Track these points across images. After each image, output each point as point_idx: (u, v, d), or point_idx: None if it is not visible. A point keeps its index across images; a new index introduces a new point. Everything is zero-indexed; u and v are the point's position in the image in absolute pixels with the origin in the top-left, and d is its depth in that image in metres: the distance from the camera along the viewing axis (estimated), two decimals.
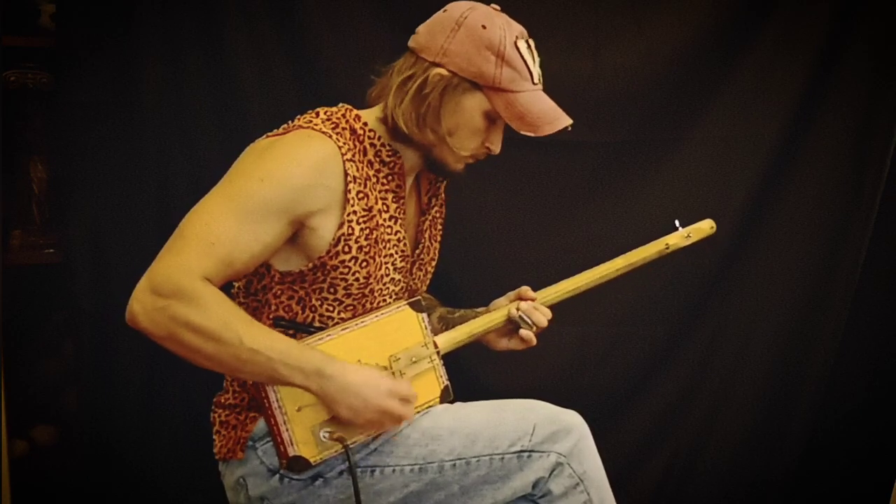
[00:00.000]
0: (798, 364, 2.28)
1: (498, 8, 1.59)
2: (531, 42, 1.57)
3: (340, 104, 1.62)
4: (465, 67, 1.53)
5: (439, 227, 1.77)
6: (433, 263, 1.77)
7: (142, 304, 1.38)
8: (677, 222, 1.83)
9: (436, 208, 1.74)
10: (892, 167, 2.19)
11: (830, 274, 2.23)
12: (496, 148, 1.61)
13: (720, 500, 2.33)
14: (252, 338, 1.39)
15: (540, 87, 1.58)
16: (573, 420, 1.58)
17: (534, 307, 1.69)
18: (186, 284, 1.38)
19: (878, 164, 2.17)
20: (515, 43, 1.53)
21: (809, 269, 2.24)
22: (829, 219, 2.21)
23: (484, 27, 1.53)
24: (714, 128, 2.18)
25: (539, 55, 1.58)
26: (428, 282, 1.77)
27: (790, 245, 2.23)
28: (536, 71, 1.56)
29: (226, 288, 1.63)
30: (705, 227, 1.85)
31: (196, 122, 1.97)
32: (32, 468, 2.06)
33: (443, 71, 1.54)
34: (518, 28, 1.57)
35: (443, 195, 1.76)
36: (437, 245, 1.76)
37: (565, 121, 1.57)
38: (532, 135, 1.53)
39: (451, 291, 1.84)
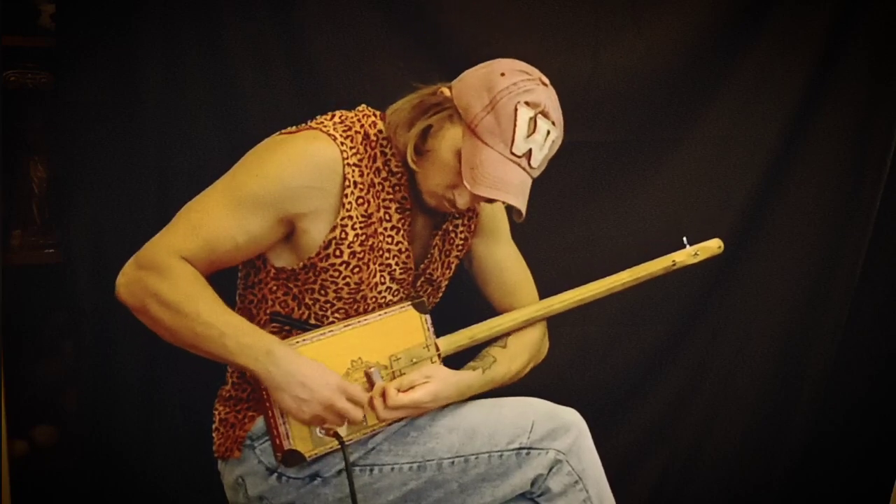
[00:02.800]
0: (798, 364, 2.28)
1: (546, 81, 1.54)
2: (544, 124, 1.49)
3: (362, 105, 1.62)
4: (460, 96, 1.52)
5: (458, 241, 1.73)
6: (447, 278, 1.75)
7: (124, 276, 1.46)
8: (685, 239, 1.83)
9: (449, 222, 1.70)
10: (892, 167, 2.19)
11: (830, 274, 2.23)
12: (460, 202, 1.54)
13: (720, 499, 2.33)
14: (210, 312, 1.42)
15: (521, 162, 1.49)
16: (572, 417, 1.58)
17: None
18: (162, 259, 1.44)
19: (878, 164, 2.18)
20: (517, 105, 1.47)
21: (809, 269, 2.24)
22: (829, 219, 2.22)
23: (502, 74, 1.50)
24: (714, 128, 2.18)
25: (550, 138, 1.51)
26: (439, 297, 1.76)
27: (790, 245, 2.23)
28: (524, 144, 1.48)
29: (231, 281, 1.65)
30: (713, 246, 1.85)
31: (196, 122, 1.97)
32: (32, 468, 2.06)
33: (447, 91, 1.54)
34: (542, 102, 1.50)
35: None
36: (451, 260, 1.73)
37: (509, 198, 1.49)
38: (468, 187, 1.48)
39: (450, 291, 1.83)
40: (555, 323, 1.89)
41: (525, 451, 1.54)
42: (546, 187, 2.16)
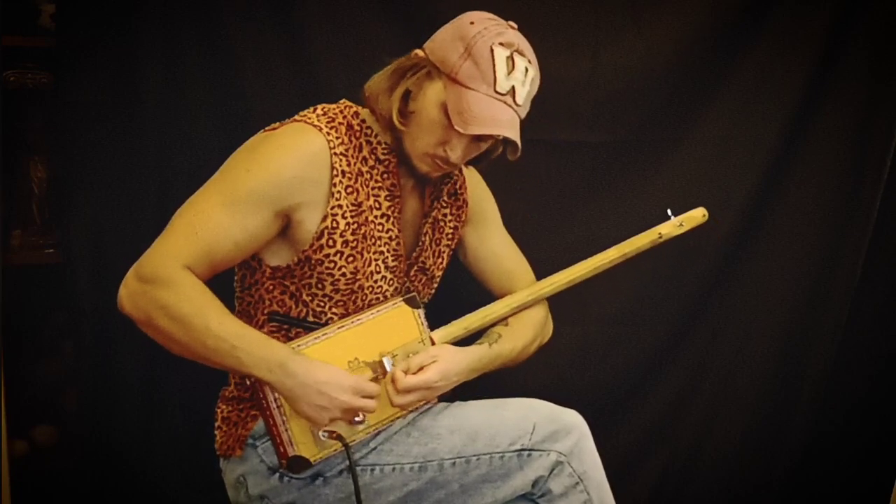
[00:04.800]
0: (798, 364, 2.28)
1: (514, 25, 1.57)
2: (521, 62, 1.52)
3: (342, 100, 1.63)
4: (436, 51, 1.55)
5: (448, 230, 1.74)
6: (440, 268, 1.75)
7: (127, 289, 1.44)
8: (669, 211, 1.86)
9: (437, 210, 1.72)
10: (892, 167, 2.19)
11: (830, 274, 2.23)
12: (453, 155, 1.55)
13: (720, 499, 2.33)
14: (220, 325, 1.42)
15: (505, 98, 1.51)
16: (573, 419, 1.59)
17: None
18: (166, 270, 1.42)
19: (877, 164, 2.18)
20: (493, 46, 1.50)
21: (809, 268, 2.24)
22: (829, 218, 2.22)
23: (471, 23, 1.54)
24: (714, 127, 2.18)
25: (529, 76, 1.53)
26: (433, 288, 1.76)
27: (790, 245, 2.23)
28: (506, 82, 1.50)
29: (229, 284, 1.65)
30: (697, 215, 1.88)
31: (196, 122, 1.97)
32: (32, 468, 2.06)
33: (421, 52, 1.57)
34: (516, 42, 1.53)
35: (445, 198, 1.73)
36: (441, 249, 1.74)
37: (503, 131, 1.51)
38: (461, 131, 1.50)
39: (451, 290, 1.84)
40: (556, 323, 1.89)
41: (526, 452, 1.54)
42: (546, 187, 2.17)
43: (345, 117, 1.59)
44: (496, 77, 1.50)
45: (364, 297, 1.60)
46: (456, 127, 1.49)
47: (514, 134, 1.53)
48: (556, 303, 1.90)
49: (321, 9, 1.99)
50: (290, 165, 1.51)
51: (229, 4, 1.94)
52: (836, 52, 2.15)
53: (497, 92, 1.50)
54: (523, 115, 1.57)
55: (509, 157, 1.58)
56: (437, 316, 1.71)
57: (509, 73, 1.51)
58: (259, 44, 1.97)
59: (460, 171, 1.76)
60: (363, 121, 1.60)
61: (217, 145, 1.94)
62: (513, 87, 1.51)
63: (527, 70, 1.53)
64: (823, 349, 2.26)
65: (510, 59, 1.51)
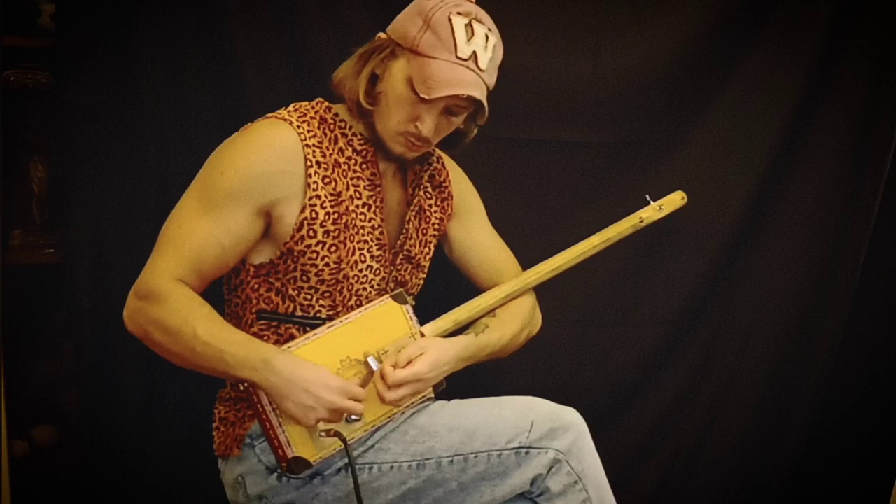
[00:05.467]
0: (798, 364, 2.28)
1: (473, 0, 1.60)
2: (481, 29, 1.55)
3: (317, 99, 1.65)
4: (396, 30, 1.58)
5: (434, 220, 1.76)
6: (426, 258, 1.76)
7: (127, 309, 1.49)
8: (648, 196, 1.87)
9: (422, 199, 1.73)
10: (892, 167, 2.19)
11: (830, 274, 2.23)
12: (424, 129, 1.57)
13: (720, 500, 2.33)
14: (206, 331, 1.44)
15: (467, 63, 1.53)
16: (572, 418, 1.58)
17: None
18: (157, 285, 1.46)
19: (878, 163, 2.18)
20: (450, 16, 1.53)
21: (809, 268, 2.24)
22: (829, 219, 2.22)
23: None
24: (714, 128, 2.18)
25: (490, 42, 1.56)
26: (421, 279, 1.77)
27: (790, 245, 2.23)
28: (467, 48, 1.53)
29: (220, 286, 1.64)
30: (676, 198, 1.90)
31: (196, 122, 1.97)
32: (32, 468, 2.06)
33: (383, 35, 1.60)
34: (473, 11, 1.56)
35: (429, 187, 1.74)
36: (427, 239, 1.75)
37: (467, 90, 1.53)
38: (426, 97, 1.52)
39: (450, 290, 1.83)
40: (555, 324, 1.89)
41: (524, 450, 1.54)
42: (546, 187, 2.17)
43: (317, 112, 1.61)
44: (456, 43, 1.52)
45: (350, 288, 1.61)
46: (421, 94, 1.52)
47: (481, 94, 1.55)
48: (556, 304, 1.90)
49: (321, 8, 1.99)
50: (264, 161, 1.53)
51: (229, 4, 1.94)
52: (836, 52, 2.15)
53: (459, 58, 1.53)
54: (490, 82, 1.59)
55: (478, 123, 1.62)
56: (426, 311, 1.71)
57: (469, 39, 1.53)
58: (259, 44, 1.97)
59: (443, 164, 1.77)
60: (336, 114, 1.62)
61: (217, 145, 1.94)
62: (474, 53, 1.54)
63: (487, 37, 1.56)
64: (824, 349, 2.26)
65: (469, 26, 1.54)
